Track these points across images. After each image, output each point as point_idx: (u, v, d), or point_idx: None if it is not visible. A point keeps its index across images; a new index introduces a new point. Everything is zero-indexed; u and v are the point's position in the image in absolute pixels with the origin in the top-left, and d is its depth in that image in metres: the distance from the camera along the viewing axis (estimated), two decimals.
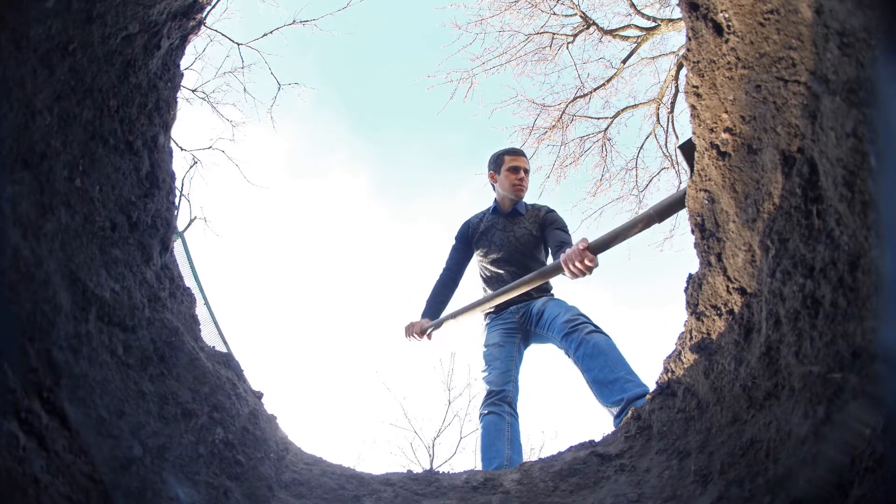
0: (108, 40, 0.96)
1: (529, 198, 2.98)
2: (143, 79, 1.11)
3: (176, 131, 1.31)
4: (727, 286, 1.02)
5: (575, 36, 7.80)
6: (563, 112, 8.15)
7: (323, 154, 23.04)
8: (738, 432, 0.89)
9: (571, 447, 1.36)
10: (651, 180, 8.43)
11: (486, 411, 2.13)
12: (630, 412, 1.33)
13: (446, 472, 1.33)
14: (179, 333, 1.11)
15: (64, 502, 0.62)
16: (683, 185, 1.48)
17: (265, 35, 8.73)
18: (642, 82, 14.32)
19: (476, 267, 2.64)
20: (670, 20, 7.35)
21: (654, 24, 7.49)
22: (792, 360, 0.77)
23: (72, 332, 0.80)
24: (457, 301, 2.62)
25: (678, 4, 1.10)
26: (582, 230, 8.73)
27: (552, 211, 2.54)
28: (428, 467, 7.46)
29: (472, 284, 2.76)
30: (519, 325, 2.37)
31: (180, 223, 8.23)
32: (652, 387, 1.33)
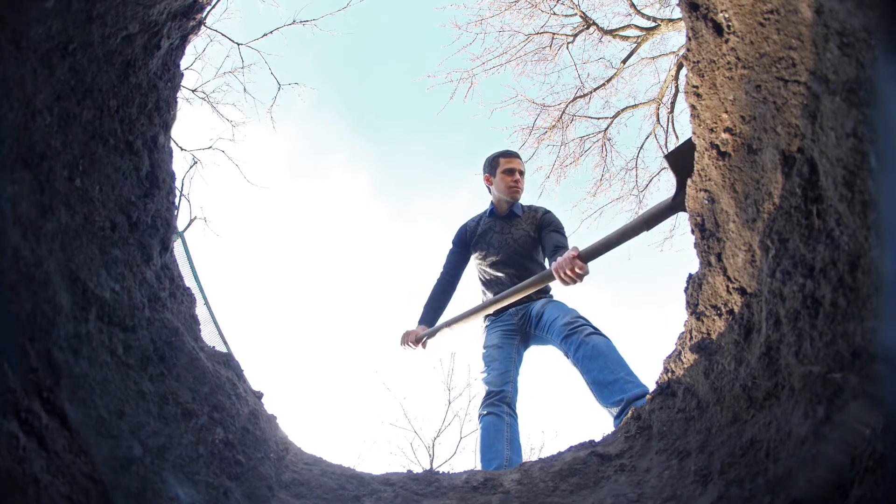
0: (108, 40, 0.96)
1: (530, 198, 2.99)
2: (143, 79, 1.11)
3: (176, 131, 1.31)
4: (727, 286, 1.02)
5: (575, 36, 7.80)
6: (563, 112, 8.15)
7: (323, 154, 23.05)
8: (738, 432, 0.89)
9: (571, 447, 1.36)
10: (651, 180, 8.43)
11: (485, 412, 2.13)
12: (630, 412, 1.34)
13: (446, 472, 1.33)
14: (179, 333, 1.11)
15: (64, 502, 0.62)
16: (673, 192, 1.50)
17: (265, 35, 8.74)
18: (642, 82, 14.32)
19: (474, 270, 2.65)
20: (670, 20, 7.35)
21: (654, 24, 7.50)
22: (792, 360, 0.77)
23: (72, 332, 0.80)
24: (456, 303, 2.62)
25: (678, 4, 1.10)
26: (582, 230, 8.74)
27: (549, 212, 2.55)
28: (428, 467, 7.46)
29: (471, 285, 2.76)
30: (518, 326, 2.37)
31: (180, 223, 8.23)
32: (652, 387, 1.33)
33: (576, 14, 7.62)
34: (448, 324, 2.32)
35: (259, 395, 1.36)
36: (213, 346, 1.30)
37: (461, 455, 9.43)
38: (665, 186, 8.40)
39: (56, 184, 0.84)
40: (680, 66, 7.33)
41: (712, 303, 1.08)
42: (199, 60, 8.76)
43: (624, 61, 7.89)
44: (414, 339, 2.42)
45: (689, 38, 1.04)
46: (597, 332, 1.99)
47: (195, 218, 8.98)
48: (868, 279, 0.61)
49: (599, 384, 1.81)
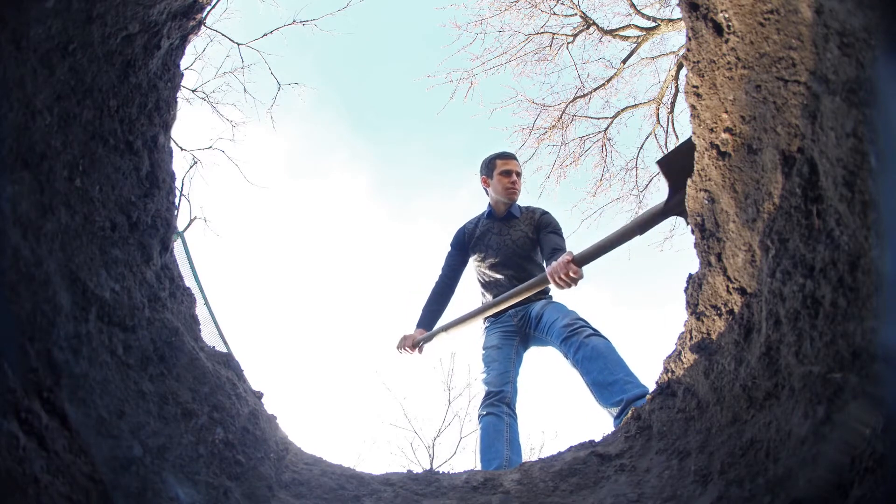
0: (108, 40, 0.96)
1: (530, 199, 2.99)
2: (143, 79, 1.11)
3: (176, 131, 1.31)
4: (727, 286, 1.02)
5: (575, 36, 7.80)
6: (563, 112, 8.15)
7: (323, 154, 23.06)
8: (738, 432, 0.89)
9: (571, 447, 1.37)
10: (651, 180, 8.43)
11: (484, 412, 2.14)
12: (630, 412, 1.34)
13: (446, 472, 1.33)
14: (179, 333, 1.11)
15: (64, 502, 0.62)
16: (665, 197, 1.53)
17: (265, 35, 8.74)
18: (642, 82, 14.33)
19: (473, 273, 2.64)
20: (670, 20, 7.36)
21: (654, 24, 7.50)
22: (792, 360, 0.77)
23: (72, 332, 0.80)
24: (455, 305, 2.62)
25: (678, 4, 1.10)
26: (582, 230, 8.74)
27: (547, 213, 2.55)
28: (428, 467, 7.46)
29: (471, 286, 2.76)
30: (518, 328, 2.38)
31: (180, 223, 8.23)
32: (652, 387, 1.33)
33: (576, 14, 7.62)
34: (445, 328, 2.31)
35: (259, 395, 1.36)
36: (213, 346, 1.30)
37: (461, 455, 9.43)
38: (665, 186, 8.39)
39: (56, 184, 0.84)
40: (680, 66, 7.34)
41: (712, 303, 1.08)
42: (199, 60, 8.77)
43: (624, 61, 7.89)
44: (411, 345, 2.41)
45: (689, 38, 1.04)
46: (596, 333, 2.00)
47: (195, 218, 8.99)
48: (868, 279, 0.61)
49: (599, 385, 1.81)
